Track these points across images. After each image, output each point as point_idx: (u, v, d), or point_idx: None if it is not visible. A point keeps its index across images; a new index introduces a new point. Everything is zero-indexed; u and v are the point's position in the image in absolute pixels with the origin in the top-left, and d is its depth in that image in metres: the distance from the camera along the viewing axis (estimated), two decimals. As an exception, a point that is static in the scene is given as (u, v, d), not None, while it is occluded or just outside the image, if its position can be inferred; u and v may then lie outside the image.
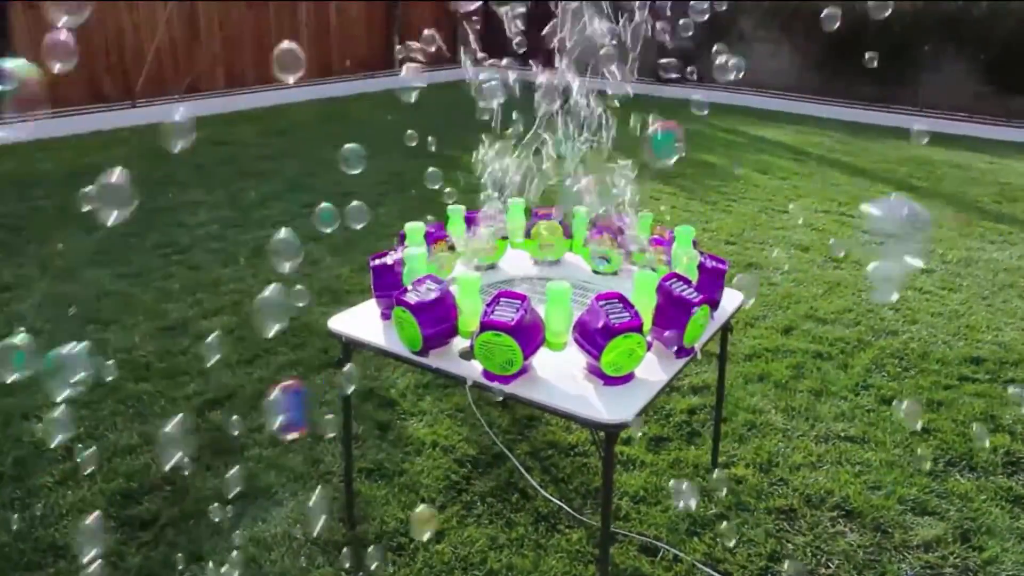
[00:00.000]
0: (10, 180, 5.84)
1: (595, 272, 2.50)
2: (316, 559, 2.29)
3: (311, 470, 2.66)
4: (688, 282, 2.00)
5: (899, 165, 7.05)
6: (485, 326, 1.81)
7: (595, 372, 1.88)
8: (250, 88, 9.00)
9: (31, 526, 2.37)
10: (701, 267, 2.16)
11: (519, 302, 1.87)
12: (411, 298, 1.93)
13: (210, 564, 2.24)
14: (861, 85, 9.16)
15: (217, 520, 2.37)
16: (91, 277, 4.13)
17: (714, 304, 2.16)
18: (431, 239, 2.37)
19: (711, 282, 2.14)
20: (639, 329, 1.81)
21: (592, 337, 1.82)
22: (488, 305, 1.87)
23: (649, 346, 1.88)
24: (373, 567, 2.25)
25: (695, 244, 2.30)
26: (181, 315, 3.73)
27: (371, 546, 2.33)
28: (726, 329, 2.48)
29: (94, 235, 4.74)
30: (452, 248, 2.46)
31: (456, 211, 2.53)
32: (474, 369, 1.91)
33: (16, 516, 2.40)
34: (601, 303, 1.85)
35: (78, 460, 2.59)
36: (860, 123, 9.00)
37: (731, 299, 2.33)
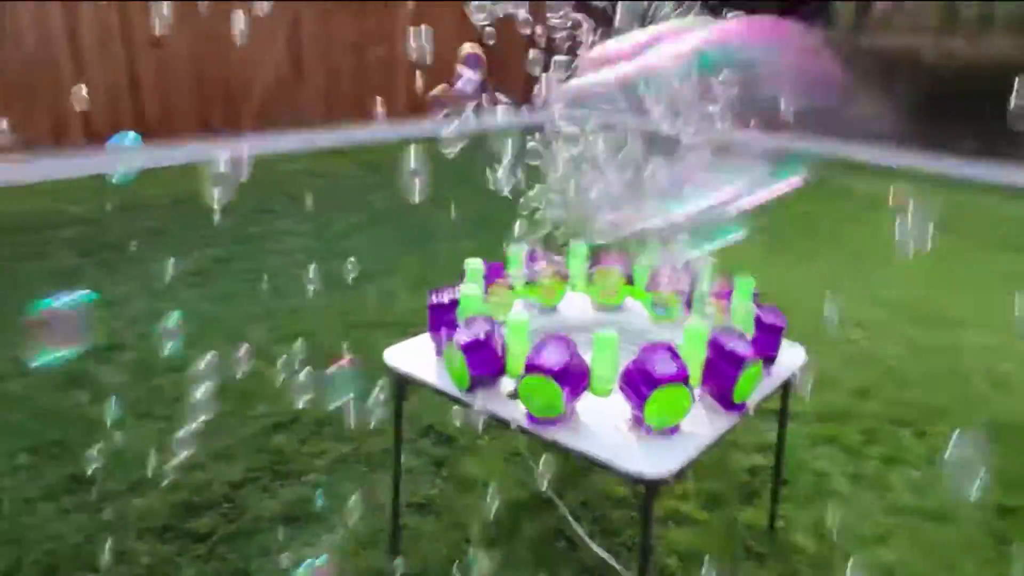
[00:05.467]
0: (121, 206, 6.28)
1: (654, 320, 2.47)
2: (358, 588, 2.32)
3: (365, 499, 2.71)
4: (741, 336, 1.95)
5: (1003, 223, 6.65)
6: (530, 368, 1.83)
7: (639, 423, 1.85)
8: (349, 124, 9.41)
9: (100, 529, 2.50)
10: (757, 322, 2.11)
11: (565, 346, 1.87)
12: (461, 337, 1.96)
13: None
14: (962, 137, 8.71)
15: (270, 540, 2.44)
16: (184, 298, 4.38)
17: (769, 360, 2.10)
18: (490, 278, 2.41)
19: (766, 338, 2.08)
20: (685, 381, 1.78)
21: (636, 386, 1.80)
22: (535, 348, 1.88)
23: (696, 399, 1.84)
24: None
25: (756, 297, 2.25)
26: (259, 338, 3.90)
27: (412, 580, 2.35)
28: (787, 386, 2.40)
29: (189, 258, 5.04)
30: (511, 288, 2.49)
31: (517, 250, 2.55)
32: (519, 412, 1.92)
33: (87, 519, 2.55)
34: (648, 353, 1.83)
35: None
36: (964, 178, 8.56)
37: (792, 355, 2.26)
